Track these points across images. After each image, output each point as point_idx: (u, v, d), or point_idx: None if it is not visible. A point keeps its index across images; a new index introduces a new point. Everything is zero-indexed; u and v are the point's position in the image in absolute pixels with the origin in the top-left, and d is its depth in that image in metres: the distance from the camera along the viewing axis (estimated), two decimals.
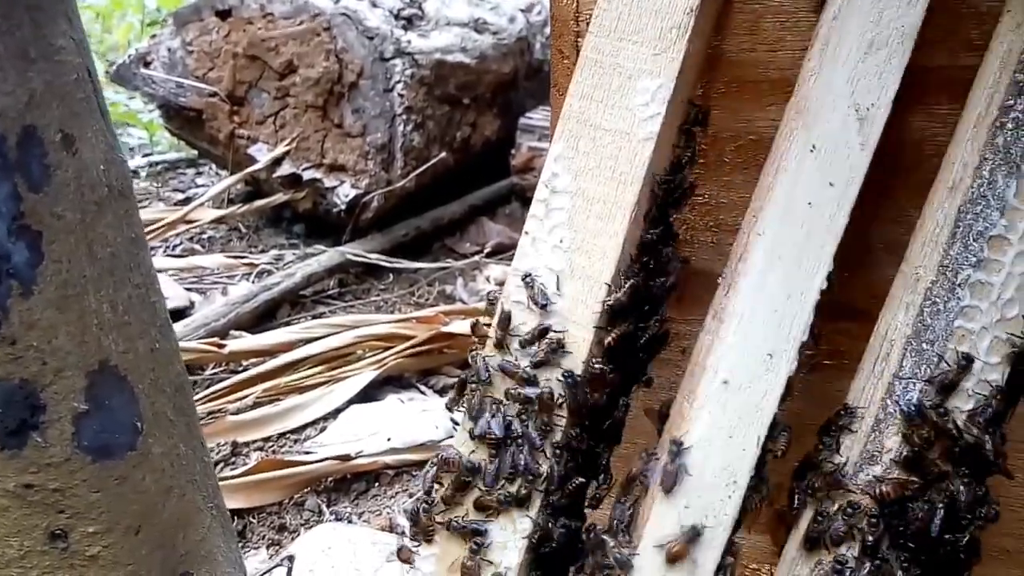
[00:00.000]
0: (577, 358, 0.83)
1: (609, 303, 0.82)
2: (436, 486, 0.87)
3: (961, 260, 0.74)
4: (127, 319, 0.65)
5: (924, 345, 0.75)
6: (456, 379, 2.34)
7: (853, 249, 0.81)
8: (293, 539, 1.77)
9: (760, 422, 0.76)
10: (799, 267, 0.76)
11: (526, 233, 0.85)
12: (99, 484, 0.63)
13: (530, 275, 0.84)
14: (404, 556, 0.89)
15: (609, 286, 0.82)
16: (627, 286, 0.82)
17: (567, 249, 0.83)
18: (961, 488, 0.74)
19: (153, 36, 3.31)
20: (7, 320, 0.57)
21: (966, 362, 0.73)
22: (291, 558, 1.32)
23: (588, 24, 0.84)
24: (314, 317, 2.72)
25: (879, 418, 0.76)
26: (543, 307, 0.83)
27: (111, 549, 0.65)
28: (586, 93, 0.83)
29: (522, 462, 0.83)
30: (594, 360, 0.83)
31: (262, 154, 3.05)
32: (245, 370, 2.33)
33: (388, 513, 1.89)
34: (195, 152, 3.70)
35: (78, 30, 0.62)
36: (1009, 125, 0.73)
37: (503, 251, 3.17)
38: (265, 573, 1.37)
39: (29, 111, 0.57)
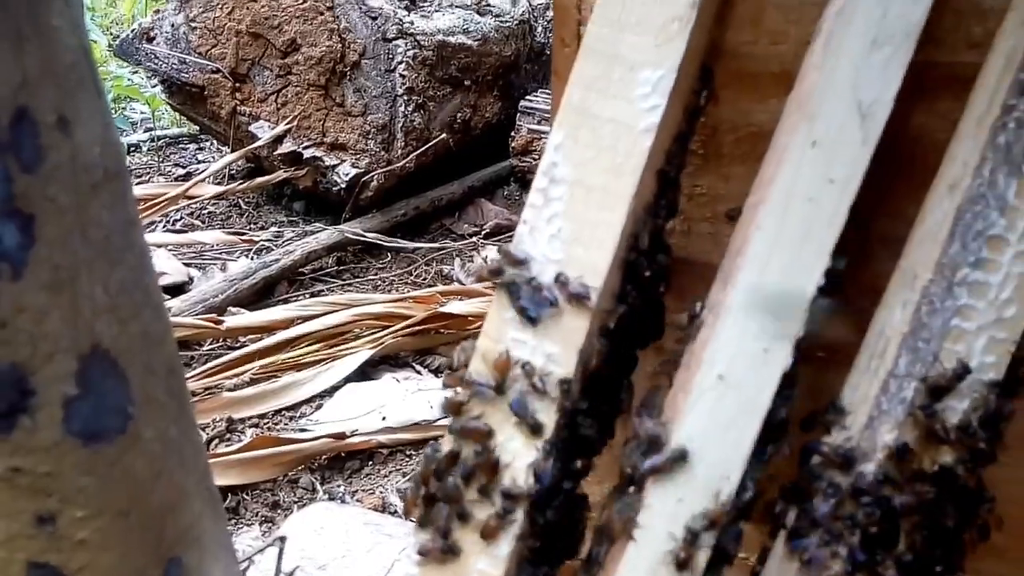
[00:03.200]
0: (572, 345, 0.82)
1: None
2: None
3: (959, 259, 0.73)
4: (120, 301, 0.64)
5: (920, 343, 0.75)
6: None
7: (849, 243, 0.80)
8: (286, 516, 1.78)
9: (756, 417, 0.76)
10: (797, 263, 0.76)
11: (524, 222, 0.84)
12: (89, 468, 0.63)
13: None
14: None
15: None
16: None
17: (565, 240, 0.82)
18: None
19: (157, 11, 3.30)
20: None
21: (962, 370, 0.73)
22: (283, 539, 1.33)
23: (590, 13, 0.84)
24: (312, 295, 2.73)
25: (873, 415, 0.76)
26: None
27: (100, 533, 0.64)
28: (587, 83, 0.82)
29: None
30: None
31: (263, 131, 3.05)
32: (243, 346, 2.34)
33: (381, 492, 1.89)
34: (197, 127, 3.69)
35: (75, 10, 0.61)
36: (1011, 124, 0.72)
37: (501, 232, 3.17)
38: (257, 553, 1.37)
39: (22, 92, 0.56)
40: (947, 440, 0.73)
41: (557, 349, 0.82)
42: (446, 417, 0.86)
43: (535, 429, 0.82)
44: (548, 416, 0.82)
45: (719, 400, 0.77)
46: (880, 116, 0.75)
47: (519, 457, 0.82)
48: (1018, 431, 0.77)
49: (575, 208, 0.82)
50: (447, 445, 0.85)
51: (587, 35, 0.83)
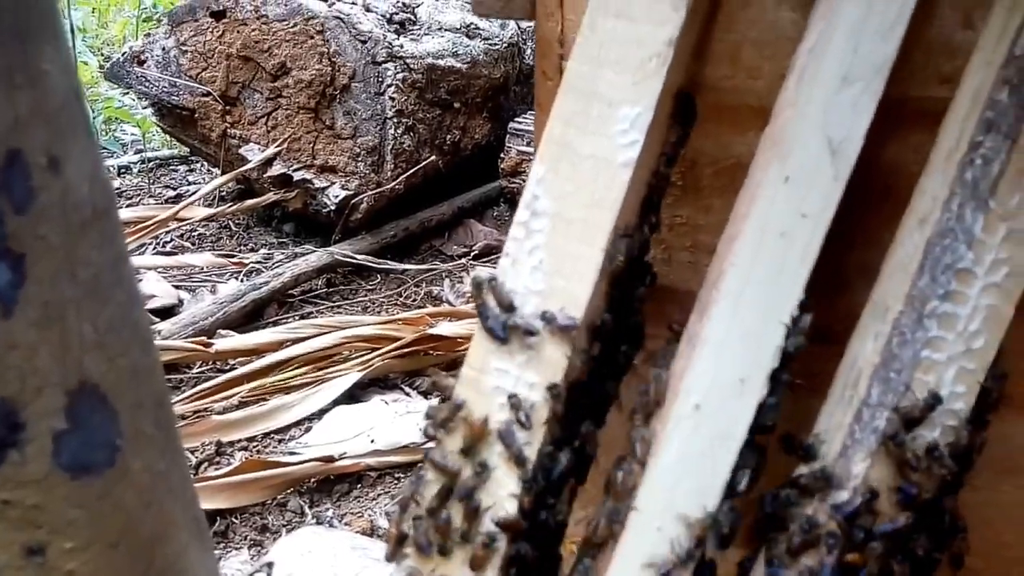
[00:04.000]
0: (554, 374, 0.84)
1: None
2: None
3: (929, 291, 0.76)
4: (109, 338, 0.66)
5: (891, 374, 0.77)
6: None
7: (826, 273, 0.82)
8: (275, 540, 1.78)
9: (732, 447, 0.77)
10: (771, 296, 0.78)
11: (506, 254, 0.86)
12: (78, 501, 0.64)
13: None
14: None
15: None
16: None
17: (546, 272, 0.84)
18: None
19: (147, 35, 3.32)
20: None
21: (933, 401, 0.75)
22: (270, 565, 1.34)
23: (571, 49, 0.86)
24: (302, 317, 2.73)
25: (846, 444, 0.78)
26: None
27: (88, 564, 0.65)
28: (567, 119, 0.84)
29: None
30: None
31: (253, 154, 3.06)
32: (232, 369, 2.34)
33: (369, 515, 1.90)
34: (187, 149, 3.70)
35: (65, 53, 0.63)
36: (978, 160, 0.74)
37: (491, 253, 3.18)
38: None
39: (14, 134, 0.58)
40: (918, 468, 0.75)
41: (539, 379, 0.83)
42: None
43: (519, 461, 0.83)
44: (531, 449, 0.83)
45: (696, 430, 0.78)
46: (851, 152, 0.77)
47: (502, 486, 0.84)
48: (989, 456, 0.79)
49: (556, 241, 0.84)
50: (431, 477, 0.87)
51: (567, 71, 0.85)
